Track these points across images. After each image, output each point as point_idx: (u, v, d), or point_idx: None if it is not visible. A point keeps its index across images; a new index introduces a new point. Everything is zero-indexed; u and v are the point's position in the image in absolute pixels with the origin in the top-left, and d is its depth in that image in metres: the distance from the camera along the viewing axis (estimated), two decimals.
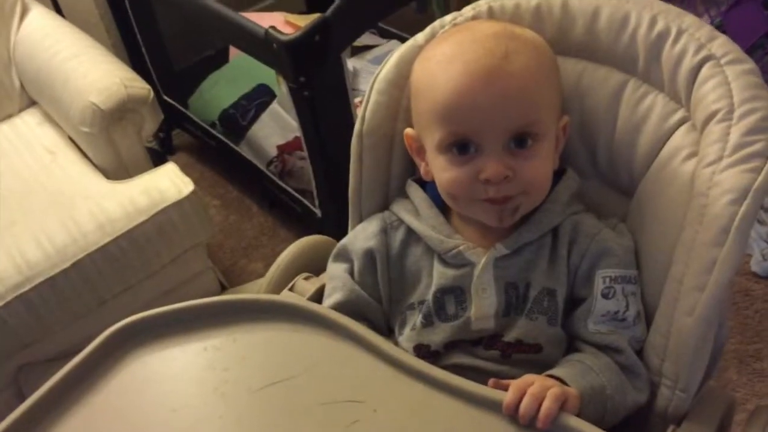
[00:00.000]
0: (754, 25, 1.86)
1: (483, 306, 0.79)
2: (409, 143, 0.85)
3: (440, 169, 0.79)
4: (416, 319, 0.81)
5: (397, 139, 0.88)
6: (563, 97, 0.83)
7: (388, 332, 0.86)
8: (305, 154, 1.58)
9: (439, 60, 0.79)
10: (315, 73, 1.40)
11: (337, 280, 0.86)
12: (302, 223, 1.84)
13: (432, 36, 0.86)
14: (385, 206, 0.90)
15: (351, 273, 0.86)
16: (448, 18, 0.87)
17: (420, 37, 0.88)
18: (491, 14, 0.85)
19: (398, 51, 0.88)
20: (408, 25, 2.17)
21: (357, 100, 1.78)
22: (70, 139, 1.59)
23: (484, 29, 0.80)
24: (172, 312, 0.82)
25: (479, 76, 0.74)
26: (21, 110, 1.70)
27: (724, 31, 0.77)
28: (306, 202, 1.71)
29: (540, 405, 0.67)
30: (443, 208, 0.84)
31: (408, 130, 0.84)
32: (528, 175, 0.76)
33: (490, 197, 0.76)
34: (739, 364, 1.43)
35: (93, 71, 1.52)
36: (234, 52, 2.08)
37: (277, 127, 1.88)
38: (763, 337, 1.47)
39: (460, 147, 0.76)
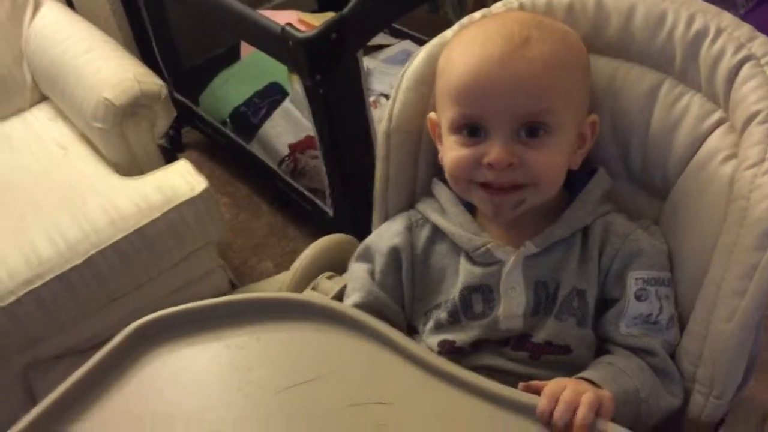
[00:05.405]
0: None
1: (511, 305, 0.77)
2: (431, 127, 0.83)
3: (448, 148, 0.78)
4: (442, 316, 0.80)
5: (425, 137, 0.86)
6: (592, 95, 0.81)
7: (409, 333, 0.84)
8: (317, 153, 1.57)
9: (461, 42, 0.78)
10: (331, 71, 1.38)
11: (356, 281, 0.85)
12: (313, 222, 1.83)
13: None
14: (410, 205, 0.88)
15: (372, 273, 0.84)
16: (477, 14, 0.86)
17: (448, 33, 0.86)
18: (522, 11, 0.84)
19: (426, 48, 0.87)
20: (420, 24, 2.16)
21: (371, 99, 1.77)
22: (82, 134, 1.58)
23: (513, 16, 0.80)
24: (193, 310, 0.80)
25: (493, 59, 0.73)
26: (32, 105, 1.68)
27: None
28: (317, 201, 1.70)
29: (574, 412, 0.66)
30: (469, 207, 0.83)
31: (431, 114, 0.83)
32: (535, 164, 0.74)
33: (489, 181, 0.75)
34: (758, 371, 1.41)
35: (106, 67, 1.50)
36: (245, 50, 2.07)
37: (289, 126, 1.87)
38: None
39: (470, 130, 0.75)
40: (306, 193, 1.73)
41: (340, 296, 0.86)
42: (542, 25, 0.77)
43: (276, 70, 1.94)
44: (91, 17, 1.74)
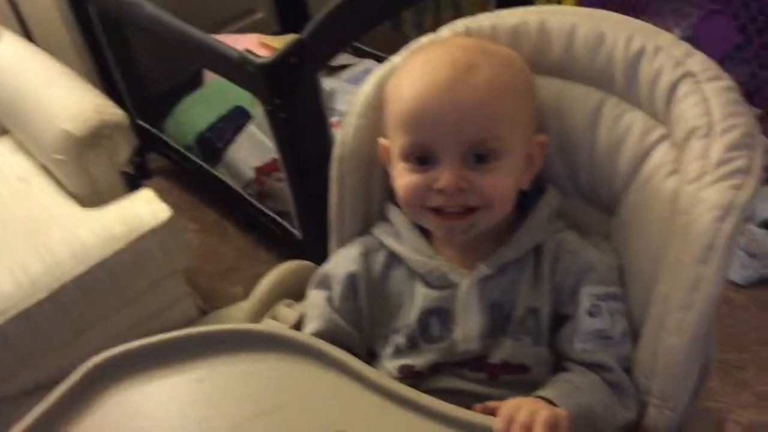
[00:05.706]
0: (724, 37, 1.89)
1: (467, 328, 0.78)
2: (382, 153, 0.84)
3: (399, 176, 0.79)
4: (401, 341, 0.80)
5: (378, 161, 0.87)
6: (540, 116, 0.82)
7: (369, 358, 0.85)
8: (283, 175, 1.57)
9: (407, 70, 0.79)
10: (291, 94, 1.39)
11: (314, 308, 0.85)
12: (281, 245, 1.83)
13: None
14: (366, 229, 0.89)
15: (329, 300, 0.85)
16: (425, 39, 0.87)
17: (396, 59, 0.87)
18: (468, 35, 0.85)
19: (375, 73, 0.87)
20: (382, 43, 2.17)
21: (333, 119, 1.78)
22: (44, 167, 1.57)
23: (458, 42, 0.81)
24: (151, 344, 0.80)
25: (438, 86, 0.74)
26: None
27: (697, 45, 0.77)
28: (285, 223, 1.70)
29: None
30: (424, 230, 0.84)
31: (381, 141, 0.84)
32: (485, 188, 0.75)
33: (440, 206, 0.76)
34: (722, 374, 1.43)
35: (65, 98, 1.49)
36: (209, 75, 2.06)
37: (253, 149, 1.87)
38: (745, 347, 1.48)
39: (420, 157, 0.76)
40: (273, 215, 1.73)
41: (299, 324, 0.87)
42: (487, 51, 0.78)
43: (240, 94, 1.93)
44: (51, 48, 1.73)
